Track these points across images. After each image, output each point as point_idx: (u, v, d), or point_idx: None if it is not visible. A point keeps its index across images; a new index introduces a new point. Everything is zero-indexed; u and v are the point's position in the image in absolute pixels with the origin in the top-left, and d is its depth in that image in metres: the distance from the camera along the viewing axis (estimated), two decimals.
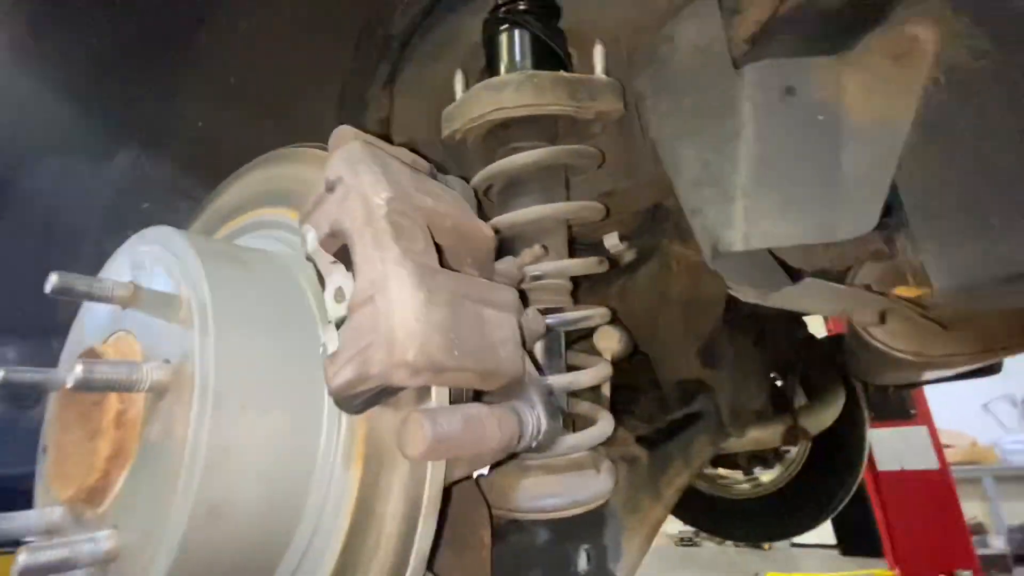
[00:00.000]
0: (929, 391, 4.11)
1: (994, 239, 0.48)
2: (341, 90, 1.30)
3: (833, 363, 2.00)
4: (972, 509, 6.78)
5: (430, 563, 0.42)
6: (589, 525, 0.73)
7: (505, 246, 0.78)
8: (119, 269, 0.54)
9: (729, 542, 9.03)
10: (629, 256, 1.31)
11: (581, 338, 1.08)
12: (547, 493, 0.66)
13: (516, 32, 0.79)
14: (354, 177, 0.41)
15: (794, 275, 0.73)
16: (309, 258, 0.45)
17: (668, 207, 1.14)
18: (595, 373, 0.73)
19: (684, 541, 9.36)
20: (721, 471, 2.96)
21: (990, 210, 0.49)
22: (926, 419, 3.99)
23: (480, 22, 1.01)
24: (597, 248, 1.32)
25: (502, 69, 0.79)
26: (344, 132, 0.48)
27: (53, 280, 0.46)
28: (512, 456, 0.62)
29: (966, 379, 2.12)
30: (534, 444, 0.46)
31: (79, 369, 0.39)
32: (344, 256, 0.43)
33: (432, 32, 1.13)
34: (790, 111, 0.61)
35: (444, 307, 0.38)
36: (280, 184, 0.62)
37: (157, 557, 0.39)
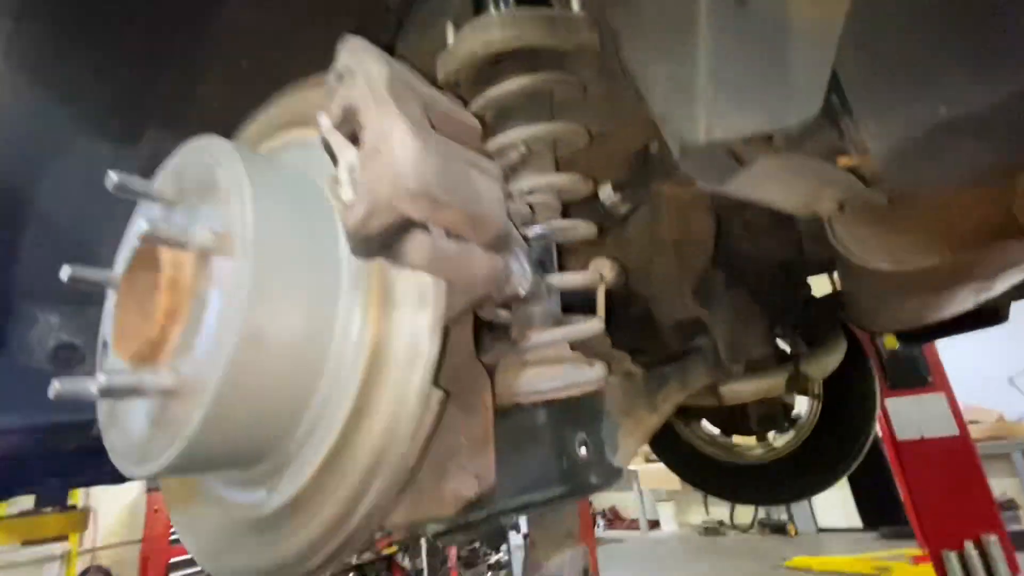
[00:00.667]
0: (950, 362, 4.09)
1: (915, 88, 0.55)
2: None
3: (834, 317, 2.05)
4: (1002, 485, 6.67)
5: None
6: (587, 416, 0.80)
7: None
8: (166, 175, 0.64)
9: (753, 529, 8.98)
10: (624, 208, 1.38)
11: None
12: (545, 378, 0.74)
13: None
14: (359, 63, 0.49)
15: None
16: (324, 143, 0.54)
17: (654, 152, 1.21)
18: (581, 276, 0.81)
19: (709, 530, 9.33)
20: (736, 439, 3.00)
21: (911, 62, 0.56)
22: (943, 386, 3.97)
23: None
24: (592, 202, 1.40)
25: (490, 10, 0.88)
26: (353, 39, 0.57)
27: (112, 178, 0.55)
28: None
29: (971, 328, 2.14)
30: (522, 293, 0.54)
31: (143, 224, 0.48)
32: (356, 140, 0.52)
33: (427, 1, 1.22)
34: (741, 20, 0.68)
35: (438, 157, 0.46)
36: (301, 107, 0.71)
37: (208, 381, 0.48)
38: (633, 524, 10.57)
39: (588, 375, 0.76)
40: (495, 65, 0.88)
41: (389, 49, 1.31)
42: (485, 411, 0.64)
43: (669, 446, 3.10)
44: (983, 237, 0.89)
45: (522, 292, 0.54)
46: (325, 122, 0.53)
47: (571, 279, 0.80)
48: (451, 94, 0.69)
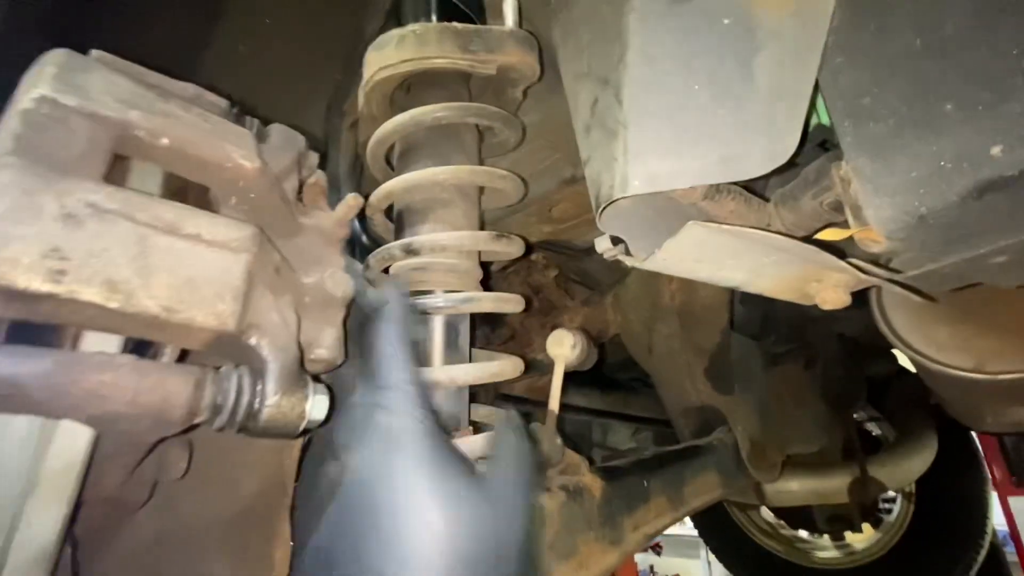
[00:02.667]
0: None
1: (949, 131, 0.31)
2: (329, 103, 1.33)
3: (924, 403, 1.61)
4: None
5: None
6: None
7: (397, 220, 0.68)
8: None
9: None
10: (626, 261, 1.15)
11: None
12: None
13: None
14: (28, 84, 0.34)
15: None
16: None
17: None
18: (490, 367, 0.60)
19: None
20: (802, 533, 2.50)
21: (941, 92, 0.32)
22: None
23: None
24: (589, 253, 1.18)
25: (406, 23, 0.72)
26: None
27: None
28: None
29: None
30: (238, 418, 0.35)
31: None
32: None
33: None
34: (681, 18, 0.46)
35: (60, 218, 0.29)
36: None
37: None
38: None
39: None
40: (408, 93, 0.72)
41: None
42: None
43: (717, 529, 2.64)
44: None
45: (238, 419, 0.34)
46: None
47: (456, 372, 0.59)
48: (284, 126, 0.53)
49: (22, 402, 0.28)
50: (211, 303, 0.34)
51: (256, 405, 0.35)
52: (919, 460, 1.45)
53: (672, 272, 0.47)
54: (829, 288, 0.47)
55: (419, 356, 0.63)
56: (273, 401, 0.35)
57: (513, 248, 0.68)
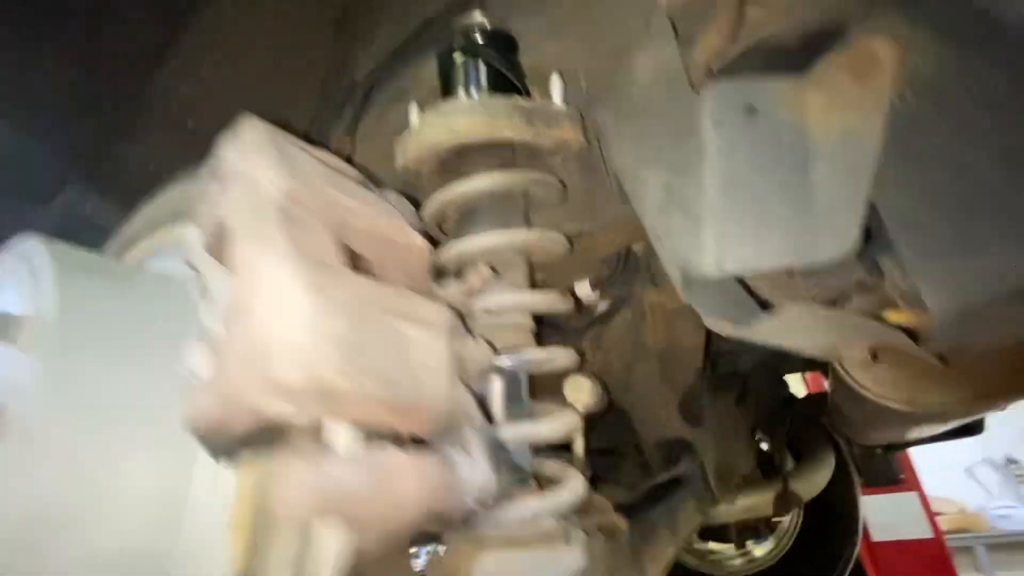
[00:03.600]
0: (912, 456, 4.02)
1: (988, 252, 0.43)
2: (303, 136, 1.28)
3: (819, 422, 1.92)
4: None
5: None
6: None
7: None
8: None
9: None
10: (602, 306, 1.25)
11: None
12: (502, 570, 0.54)
13: (472, 62, 0.77)
14: (247, 165, 0.34)
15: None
16: (191, 264, 0.37)
17: (638, 252, 1.09)
18: (558, 423, 0.64)
19: None
20: (712, 545, 2.75)
21: (979, 220, 0.45)
22: (915, 484, 3.87)
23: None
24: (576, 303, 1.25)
25: (459, 94, 0.76)
26: (253, 124, 0.42)
27: None
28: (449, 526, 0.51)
29: (949, 439, 2.05)
30: (479, 508, 0.36)
31: None
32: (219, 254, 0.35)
33: (395, 78, 1.12)
34: (753, 130, 0.57)
35: (344, 317, 0.29)
36: (186, 201, 0.55)
37: None
38: None
39: (566, 565, 0.57)
40: (461, 157, 0.75)
41: (353, 123, 1.19)
42: None
43: None
44: (1013, 390, 0.78)
45: (477, 504, 0.36)
46: (193, 238, 0.36)
47: (542, 428, 0.63)
48: (397, 193, 0.54)
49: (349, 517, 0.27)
50: (440, 386, 0.35)
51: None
52: (825, 473, 1.73)
53: (759, 339, 0.56)
54: (857, 347, 0.59)
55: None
56: (495, 481, 0.36)
57: (566, 306, 0.73)
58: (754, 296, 0.65)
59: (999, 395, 0.80)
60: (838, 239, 0.52)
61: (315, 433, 0.34)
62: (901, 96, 0.51)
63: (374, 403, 0.30)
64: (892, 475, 3.85)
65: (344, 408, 0.29)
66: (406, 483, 0.31)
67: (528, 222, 0.77)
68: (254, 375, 0.26)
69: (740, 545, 2.59)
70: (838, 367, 0.88)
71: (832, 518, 2.41)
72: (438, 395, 0.34)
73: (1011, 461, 6.88)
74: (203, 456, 0.36)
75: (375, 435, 0.38)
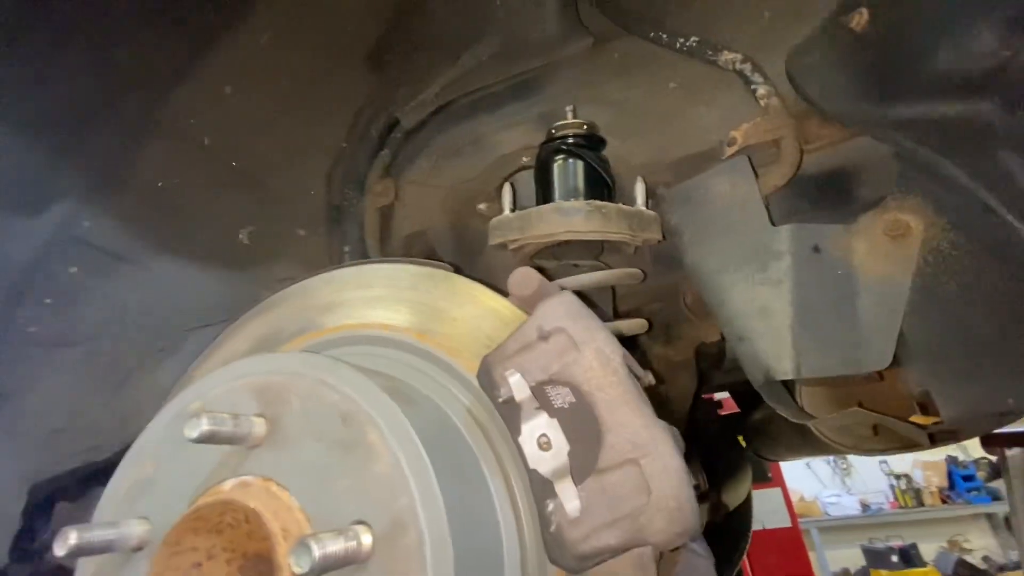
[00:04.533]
0: None
1: (988, 382, 0.65)
2: (330, 169, 1.27)
3: (736, 440, 2.27)
4: None
5: None
6: None
7: None
8: (233, 399, 0.47)
9: None
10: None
11: None
12: None
13: (570, 161, 0.87)
14: (584, 332, 0.43)
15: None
16: (510, 401, 0.44)
17: (653, 311, 1.26)
18: None
19: None
20: None
21: (980, 360, 0.66)
22: (780, 481, 4.60)
23: (504, 134, 1.08)
24: None
25: (556, 194, 0.86)
26: (529, 275, 0.50)
27: (202, 428, 0.39)
28: None
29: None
30: None
31: (316, 547, 0.33)
32: (545, 403, 0.44)
33: (449, 131, 1.17)
34: (819, 265, 0.76)
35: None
36: (393, 295, 0.59)
37: None
38: None
39: None
40: (564, 247, 0.85)
41: (391, 165, 1.21)
42: None
43: None
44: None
45: None
46: (518, 382, 0.44)
47: None
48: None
49: None
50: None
51: None
52: (746, 484, 2.06)
53: (820, 425, 0.74)
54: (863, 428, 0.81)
55: None
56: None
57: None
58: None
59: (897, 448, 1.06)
60: (879, 356, 0.72)
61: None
62: (924, 259, 0.73)
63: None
64: (764, 474, 4.54)
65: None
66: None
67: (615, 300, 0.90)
68: (663, 522, 0.36)
69: None
70: (814, 429, 1.13)
71: (733, 518, 2.84)
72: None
73: (840, 456, 8.36)
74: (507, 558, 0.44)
75: None
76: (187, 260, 1.20)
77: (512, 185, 0.91)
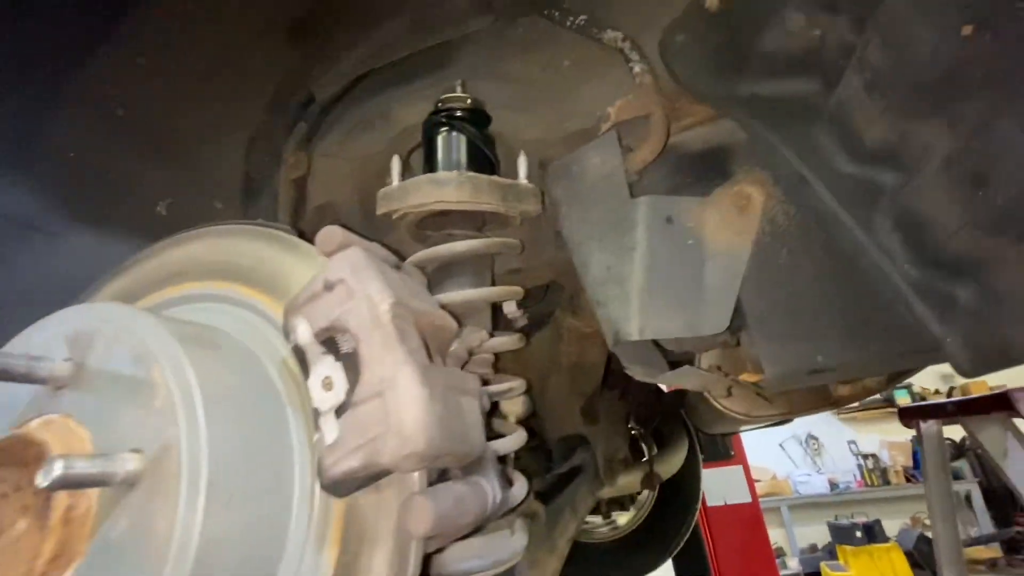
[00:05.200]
0: (741, 434, 4.90)
1: (803, 342, 0.71)
2: (248, 143, 1.29)
3: (678, 415, 2.35)
4: (773, 535, 8.03)
5: None
6: None
7: None
8: (48, 345, 0.51)
9: None
10: (522, 322, 1.46)
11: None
12: (472, 555, 0.72)
13: (453, 134, 0.91)
14: (359, 282, 0.47)
15: (667, 355, 0.93)
16: (297, 347, 0.49)
17: (562, 284, 1.31)
18: (517, 439, 0.83)
19: None
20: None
21: (799, 322, 0.72)
22: (742, 459, 4.74)
23: (410, 108, 1.11)
24: (495, 313, 1.44)
25: (439, 165, 0.90)
26: (333, 232, 0.54)
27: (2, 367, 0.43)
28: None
29: (769, 427, 2.63)
30: (491, 515, 0.54)
31: (59, 466, 0.38)
32: (333, 348, 0.48)
33: (361, 105, 1.20)
34: (670, 234, 0.80)
35: (439, 401, 0.45)
36: (235, 259, 0.63)
37: None
38: None
39: (512, 549, 0.77)
40: (442, 217, 0.89)
41: (307, 138, 1.24)
42: None
43: None
44: (813, 406, 1.15)
45: (492, 511, 0.53)
46: (304, 330, 0.48)
47: (508, 444, 0.82)
48: (417, 271, 0.68)
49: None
50: (479, 435, 0.52)
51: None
52: (681, 455, 2.15)
53: (663, 383, 0.79)
54: (720, 387, 0.87)
55: None
56: (501, 495, 0.54)
57: (513, 345, 0.92)
58: (657, 345, 0.90)
59: (799, 412, 1.15)
60: (717, 320, 0.77)
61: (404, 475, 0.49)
62: (763, 229, 0.78)
63: (451, 456, 0.46)
64: (726, 451, 4.67)
65: (437, 462, 0.45)
66: (469, 505, 0.48)
67: (493, 276, 0.94)
68: (394, 444, 0.41)
69: (607, 516, 3.04)
70: (706, 393, 1.19)
71: (679, 490, 2.95)
72: (480, 442, 0.51)
73: (811, 437, 8.58)
74: (299, 496, 0.49)
75: (445, 474, 0.53)
76: (105, 231, 1.22)
77: (401, 157, 0.94)
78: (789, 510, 7.97)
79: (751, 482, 4.68)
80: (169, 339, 0.47)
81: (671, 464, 2.10)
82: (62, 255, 1.19)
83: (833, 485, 8.15)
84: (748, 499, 4.61)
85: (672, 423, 2.30)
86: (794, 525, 7.87)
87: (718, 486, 4.67)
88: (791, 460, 8.68)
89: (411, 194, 0.86)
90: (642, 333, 0.76)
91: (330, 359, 0.48)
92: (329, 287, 0.48)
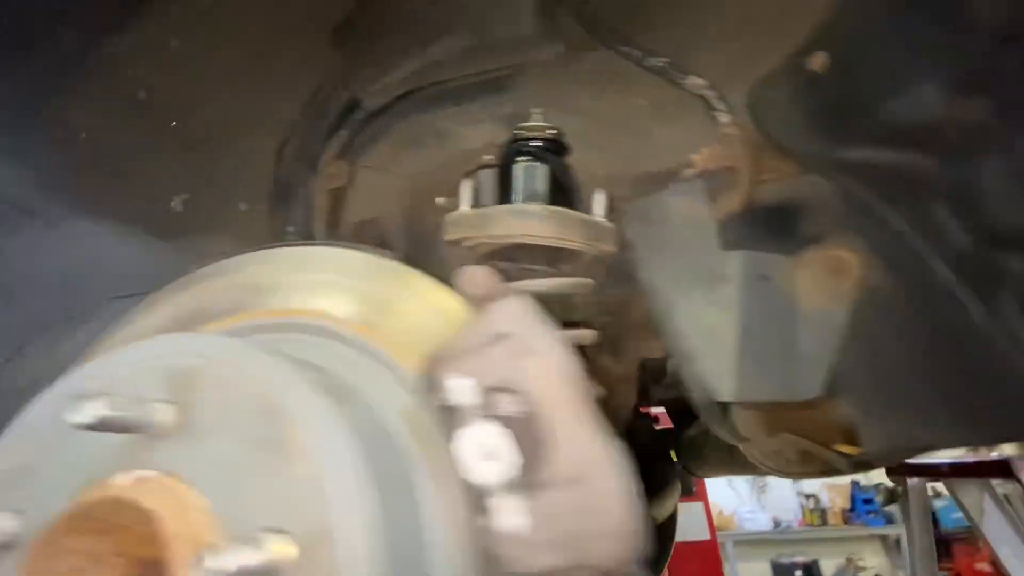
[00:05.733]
0: None
1: (908, 417, 0.69)
2: (280, 144, 1.20)
3: (668, 455, 2.34)
4: None
5: None
6: None
7: None
8: (138, 381, 0.41)
9: None
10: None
11: None
12: None
13: (537, 164, 0.86)
14: (538, 338, 0.41)
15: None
16: (448, 406, 0.42)
17: (603, 323, 1.27)
18: None
19: None
20: None
21: (904, 396, 0.70)
22: (703, 496, 4.80)
23: (470, 130, 1.06)
24: None
25: (519, 195, 0.85)
26: (481, 274, 0.47)
27: (94, 412, 0.34)
28: None
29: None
30: None
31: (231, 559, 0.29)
32: (492, 411, 0.42)
33: (409, 119, 1.14)
34: (765, 293, 0.78)
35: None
36: (335, 286, 0.55)
37: None
38: None
39: None
40: (520, 250, 0.84)
41: (347, 148, 1.17)
42: None
43: None
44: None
45: None
46: (465, 386, 0.41)
47: None
48: None
49: None
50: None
51: None
52: (675, 497, 2.13)
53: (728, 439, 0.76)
54: (790, 452, 0.84)
55: None
56: None
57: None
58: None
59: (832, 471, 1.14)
60: (812, 385, 0.75)
61: None
62: (859, 296, 0.76)
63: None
64: (689, 488, 4.72)
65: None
66: None
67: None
68: (611, 545, 0.34)
69: None
70: (744, 450, 1.16)
71: (658, 529, 2.92)
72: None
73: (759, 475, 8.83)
74: None
75: None
76: (111, 222, 1.09)
77: (472, 182, 0.89)
78: (734, 546, 8.11)
79: (711, 519, 4.73)
80: (308, 390, 0.39)
81: (665, 507, 2.08)
82: (59, 245, 1.05)
83: (776, 523, 8.38)
84: (707, 536, 4.66)
85: (666, 465, 2.28)
86: (737, 561, 8.02)
87: (680, 522, 4.70)
88: (738, 496, 8.88)
89: (491, 223, 0.80)
90: (739, 394, 0.73)
91: (489, 423, 0.41)
92: (495, 340, 0.42)
